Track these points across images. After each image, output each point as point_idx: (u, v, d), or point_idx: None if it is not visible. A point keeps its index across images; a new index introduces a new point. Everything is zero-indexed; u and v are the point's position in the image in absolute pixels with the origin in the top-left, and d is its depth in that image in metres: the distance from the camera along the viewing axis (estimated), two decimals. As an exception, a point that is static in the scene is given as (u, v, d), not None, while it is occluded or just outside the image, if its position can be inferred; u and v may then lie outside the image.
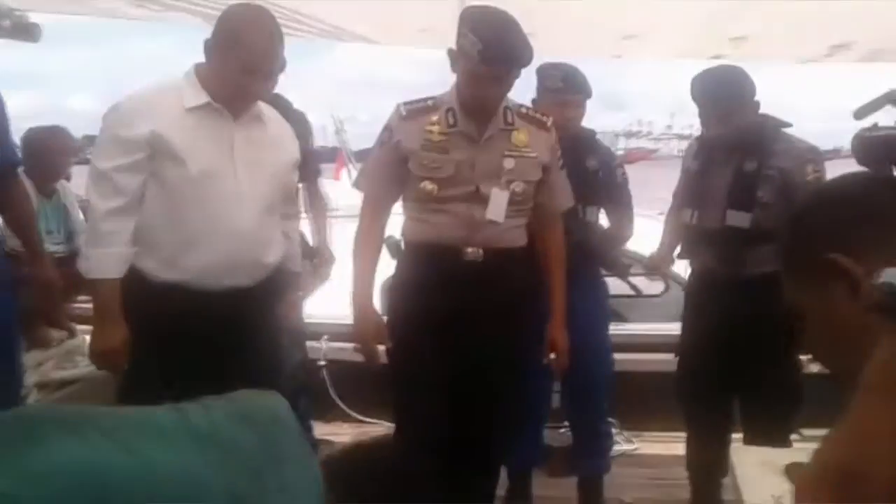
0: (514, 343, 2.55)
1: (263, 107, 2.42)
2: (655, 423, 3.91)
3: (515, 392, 2.65)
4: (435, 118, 2.48)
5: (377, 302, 2.69)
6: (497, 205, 2.46)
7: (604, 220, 3.19)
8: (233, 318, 2.08)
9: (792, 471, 1.77)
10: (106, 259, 2.21)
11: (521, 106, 2.57)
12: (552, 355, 2.70)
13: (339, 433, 3.80)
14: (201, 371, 2.14)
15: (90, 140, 2.64)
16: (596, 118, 3.05)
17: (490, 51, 2.30)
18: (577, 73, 2.99)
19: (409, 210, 2.58)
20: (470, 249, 2.46)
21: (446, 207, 2.47)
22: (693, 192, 2.92)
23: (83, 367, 3.57)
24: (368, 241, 2.59)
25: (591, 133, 3.17)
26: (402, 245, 2.65)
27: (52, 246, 3.82)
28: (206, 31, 2.29)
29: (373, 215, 2.61)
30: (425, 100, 2.53)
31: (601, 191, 3.07)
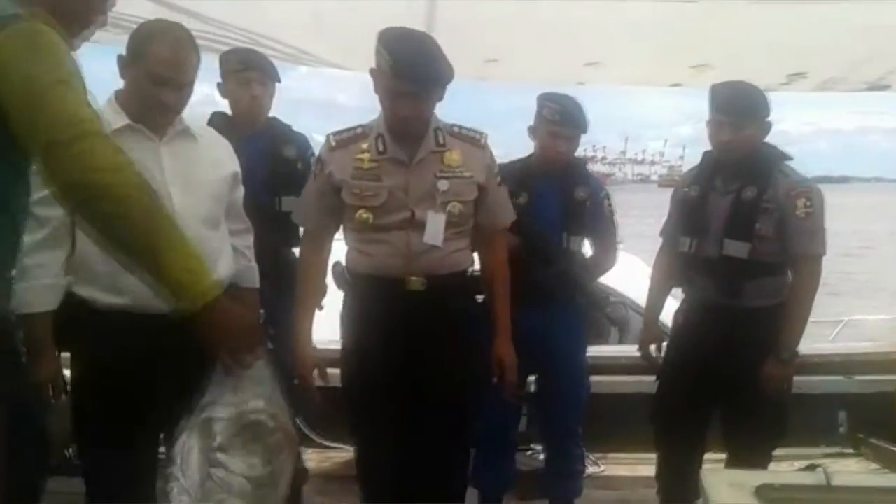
0: (465, 367, 2.50)
1: (192, 123, 2.36)
2: (620, 444, 3.94)
3: (471, 416, 2.61)
4: (365, 146, 2.45)
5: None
6: (434, 228, 2.42)
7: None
8: (185, 341, 2.01)
9: (763, 492, 1.80)
10: (34, 292, 2.12)
11: (454, 125, 2.52)
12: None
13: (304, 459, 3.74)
14: (151, 403, 2.13)
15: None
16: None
17: (400, 65, 2.28)
18: (575, 107, 2.98)
19: (349, 240, 2.55)
20: (413, 279, 2.42)
21: (383, 237, 2.43)
22: (691, 220, 2.91)
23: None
24: (308, 274, 2.57)
25: (582, 162, 3.13)
26: (347, 274, 2.60)
27: None
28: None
29: (312, 248, 2.59)
30: (354, 128, 2.50)
31: (588, 221, 3.05)
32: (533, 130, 3.04)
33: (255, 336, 1.66)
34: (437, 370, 2.44)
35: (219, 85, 3.07)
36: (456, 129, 2.51)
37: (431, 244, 2.42)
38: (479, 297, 2.67)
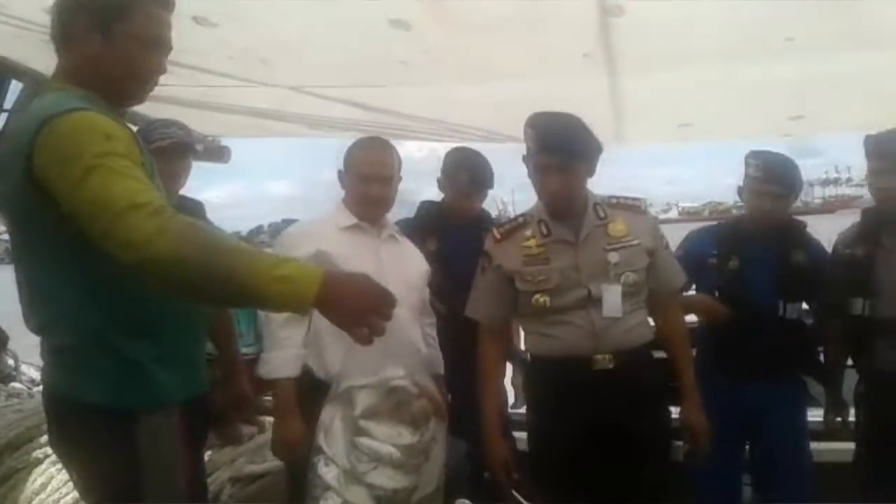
0: (658, 444, 2.51)
1: (393, 229, 2.74)
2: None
3: (663, 483, 2.55)
4: (528, 232, 2.52)
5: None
6: (612, 301, 2.43)
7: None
8: None
9: None
10: (281, 361, 2.50)
11: (611, 197, 2.57)
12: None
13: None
14: None
15: (288, 223, 3.01)
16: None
17: (544, 138, 2.38)
18: (781, 163, 2.82)
19: (528, 325, 2.60)
20: (599, 357, 2.43)
21: (564, 317, 2.46)
22: (861, 279, 2.72)
23: (272, 460, 3.82)
24: (491, 368, 2.63)
25: (801, 225, 2.96)
26: (528, 358, 2.65)
27: (244, 348, 4.14)
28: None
29: (490, 340, 2.64)
30: (515, 219, 2.60)
31: (811, 286, 2.87)
32: (741, 190, 2.93)
33: (381, 300, 1.51)
34: (628, 446, 2.44)
35: (438, 181, 3.31)
36: (613, 200, 2.56)
37: (613, 317, 2.43)
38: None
